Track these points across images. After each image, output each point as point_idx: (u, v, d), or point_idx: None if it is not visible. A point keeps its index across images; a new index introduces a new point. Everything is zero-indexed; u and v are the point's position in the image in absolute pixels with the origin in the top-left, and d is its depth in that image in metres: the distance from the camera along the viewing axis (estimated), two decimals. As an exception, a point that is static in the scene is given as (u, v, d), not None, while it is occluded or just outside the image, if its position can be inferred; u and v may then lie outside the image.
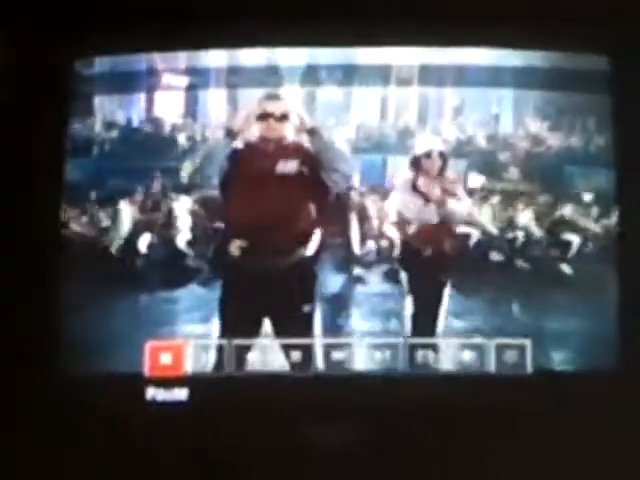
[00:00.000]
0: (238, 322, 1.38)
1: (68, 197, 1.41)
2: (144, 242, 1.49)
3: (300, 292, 1.39)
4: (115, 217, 1.49)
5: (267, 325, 1.38)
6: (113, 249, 1.48)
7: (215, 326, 1.38)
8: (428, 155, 1.47)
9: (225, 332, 1.37)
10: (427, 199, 1.49)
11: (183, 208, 1.50)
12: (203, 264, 1.47)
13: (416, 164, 1.49)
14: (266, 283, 1.38)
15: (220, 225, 1.45)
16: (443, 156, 1.48)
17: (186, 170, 1.42)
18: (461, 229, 1.48)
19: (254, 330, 1.37)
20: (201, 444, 1.27)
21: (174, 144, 1.52)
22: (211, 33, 1.37)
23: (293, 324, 1.37)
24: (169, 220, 1.52)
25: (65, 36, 1.38)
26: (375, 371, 1.36)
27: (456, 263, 1.48)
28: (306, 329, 1.37)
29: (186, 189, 1.48)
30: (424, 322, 1.43)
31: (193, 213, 1.50)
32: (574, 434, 1.27)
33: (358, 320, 1.43)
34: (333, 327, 1.42)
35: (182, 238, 1.51)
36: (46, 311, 1.33)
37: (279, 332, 1.38)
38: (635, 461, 1.25)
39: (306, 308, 1.38)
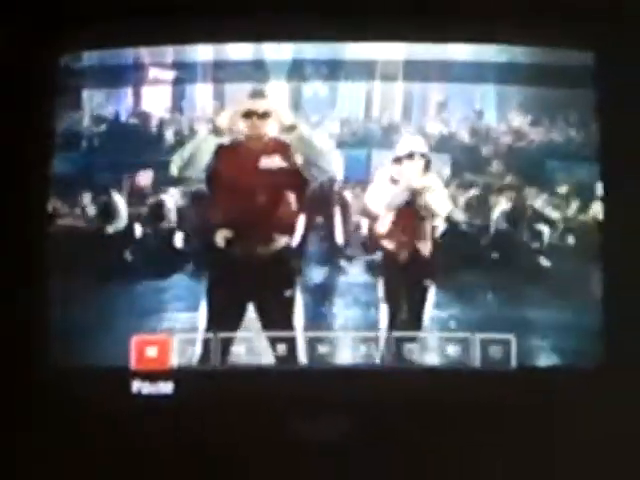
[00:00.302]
0: (224, 307, 1.42)
1: (58, 190, 1.43)
2: (134, 234, 1.51)
3: (282, 278, 1.45)
4: (105, 210, 1.51)
5: (251, 310, 1.43)
6: (102, 242, 1.50)
7: (202, 314, 1.41)
8: (410, 156, 1.49)
9: (212, 317, 1.40)
10: (406, 194, 1.51)
11: (172, 201, 1.54)
12: (191, 255, 1.50)
13: (398, 164, 1.51)
14: (250, 270, 1.43)
15: (207, 217, 1.48)
16: (425, 157, 1.49)
17: (175, 164, 1.44)
18: (438, 222, 1.50)
19: (240, 314, 1.42)
20: (186, 437, 1.27)
21: (162, 138, 1.55)
22: (198, 28, 1.38)
23: (276, 308, 1.43)
24: (158, 212, 1.55)
25: (53, 30, 1.38)
26: (360, 365, 1.38)
27: (435, 262, 1.49)
28: (288, 313, 1.43)
29: (175, 182, 1.51)
30: (406, 321, 1.47)
31: (182, 206, 1.54)
32: (559, 428, 1.28)
33: (340, 309, 1.48)
34: (316, 316, 1.46)
35: (171, 230, 1.54)
36: (33, 305, 1.34)
37: (263, 316, 1.43)
38: (620, 454, 1.26)
39: (287, 293, 1.44)
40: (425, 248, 1.49)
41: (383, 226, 1.51)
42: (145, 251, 1.51)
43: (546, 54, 1.43)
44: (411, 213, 1.51)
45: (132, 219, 1.52)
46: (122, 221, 1.51)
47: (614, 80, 1.38)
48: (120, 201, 1.50)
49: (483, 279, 1.46)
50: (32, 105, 1.38)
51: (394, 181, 1.51)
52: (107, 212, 1.50)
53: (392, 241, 1.50)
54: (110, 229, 1.50)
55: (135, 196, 1.52)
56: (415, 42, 1.43)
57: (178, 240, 1.52)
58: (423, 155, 1.49)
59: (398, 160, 1.50)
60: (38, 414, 1.29)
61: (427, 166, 1.50)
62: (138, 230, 1.52)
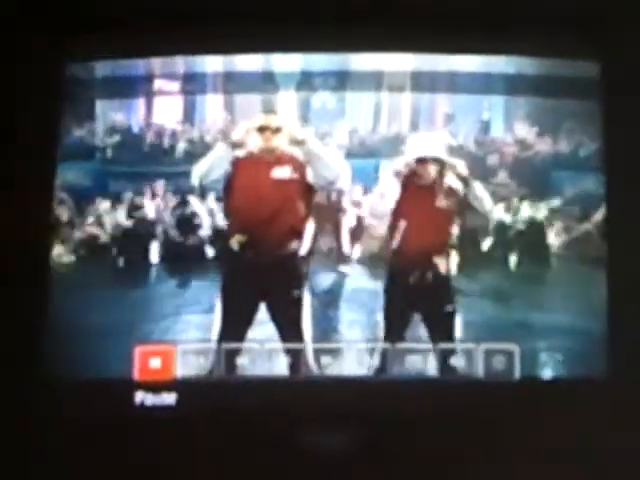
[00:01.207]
0: (238, 306, 1.47)
1: (73, 200, 1.49)
2: (152, 243, 1.57)
3: (291, 279, 1.51)
4: (120, 219, 1.56)
5: (263, 310, 1.49)
6: (120, 249, 1.54)
7: (217, 314, 1.45)
8: (422, 161, 1.49)
9: (226, 316, 1.46)
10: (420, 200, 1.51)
11: (191, 209, 1.62)
12: (207, 258, 1.59)
13: (409, 170, 1.51)
14: (262, 272, 1.49)
15: (223, 223, 1.56)
16: (439, 162, 1.49)
17: (196, 174, 1.50)
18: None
19: (251, 313, 1.48)
20: (190, 448, 1.27)
21: (174, 149, 1.60)
22: (208, 39, 1.42)
23: (285, 308, 1.49)
24: (178, 219, 1.62)
25: (64, 40, 1.42)
26: (363, 376, 1.39)
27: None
28: (297, 314, 1.49)
29: (194, 191, 1.57)
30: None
31: (200, 213, 1.61)
32: (564, 439, 1.28)
33: (346, 312, 1.53)
34: (323, 320, 1.51)
35: (187, 236, 1.61)
36: (36, 314, 1.35)
37: (273, 315, 1.48)
38: (626, 465, 1.25)
39: (296, 293, 1.50)
40: (443, 265, 1.48)
41: (395, 237, 1.51)
42: (163, 258, 1.56)
43: (553, 65, 1.44)
44: (432, 218, 1.51)
45: (149, 227, 1.59)
46: (131, 231, 1.56)
47: (620, 91, 1.39)
48: (149, 206, 1.58)
49: (485, 287, 1.48)
50: (45, 115, 1.41)
51: (411, 184, 1.51)
52: (121, 221, 1.55)
53: (403, 258, 1.50)
54: (120, 239, 1.55)
55: (154, 205, 1.59)
56: (423, 53, 1.46)
57: (197, 246, 1.60)
58: (436, 160, 1.49)
59: (409, 166, 1.51)
60: (40, 424, 1.29)
61: (442, 171, 1.50)
62: (155, 239, 1.58)
